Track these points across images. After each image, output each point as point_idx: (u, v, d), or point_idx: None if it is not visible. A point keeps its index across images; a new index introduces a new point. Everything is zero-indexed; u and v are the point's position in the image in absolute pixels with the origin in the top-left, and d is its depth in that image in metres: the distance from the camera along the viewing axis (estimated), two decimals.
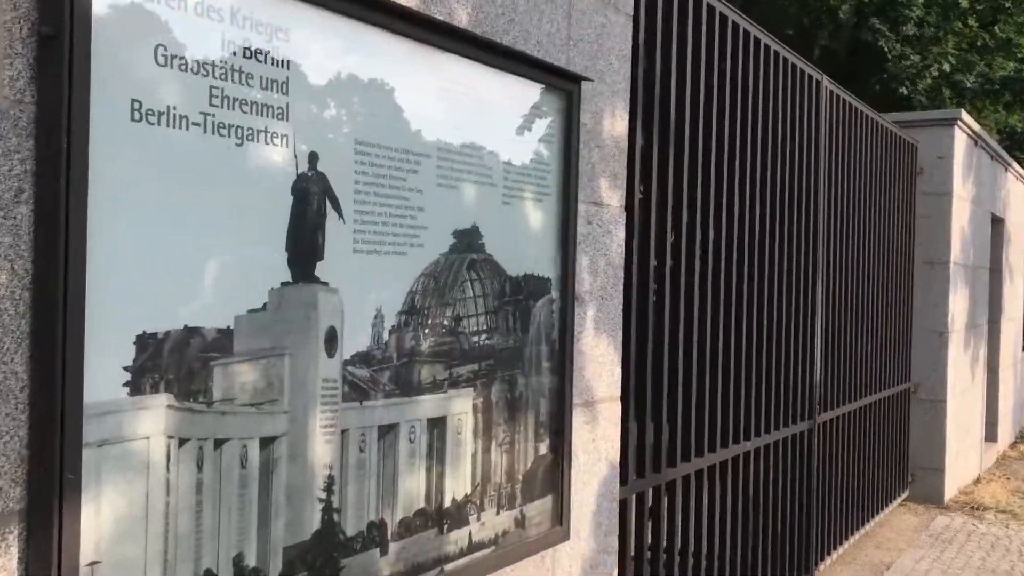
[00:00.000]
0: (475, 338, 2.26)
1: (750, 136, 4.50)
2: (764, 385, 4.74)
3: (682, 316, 3.82)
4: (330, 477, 1.86)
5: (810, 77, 5.30)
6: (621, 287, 2.98)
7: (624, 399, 3.15)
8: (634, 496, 3.25)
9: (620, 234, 2.96)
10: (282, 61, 1.76)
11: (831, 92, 5.63)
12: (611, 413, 2.93)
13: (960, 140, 7.66)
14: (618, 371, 2.97)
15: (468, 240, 2.23)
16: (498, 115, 2.34)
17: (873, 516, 6.77)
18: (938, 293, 7.54)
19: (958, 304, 7.75)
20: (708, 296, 4.06)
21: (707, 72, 4.10)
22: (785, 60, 5.02)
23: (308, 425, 1.81)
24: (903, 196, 7.32)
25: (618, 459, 2.98)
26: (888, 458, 7.08)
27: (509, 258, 2.38)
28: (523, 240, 2.43)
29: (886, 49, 13.66)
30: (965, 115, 7.62)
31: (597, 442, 2.86)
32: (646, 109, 3.55)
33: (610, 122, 2.89)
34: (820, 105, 5.44)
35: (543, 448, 2.53)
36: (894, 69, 13.76)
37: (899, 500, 7.42)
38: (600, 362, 2.87)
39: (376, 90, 1.96)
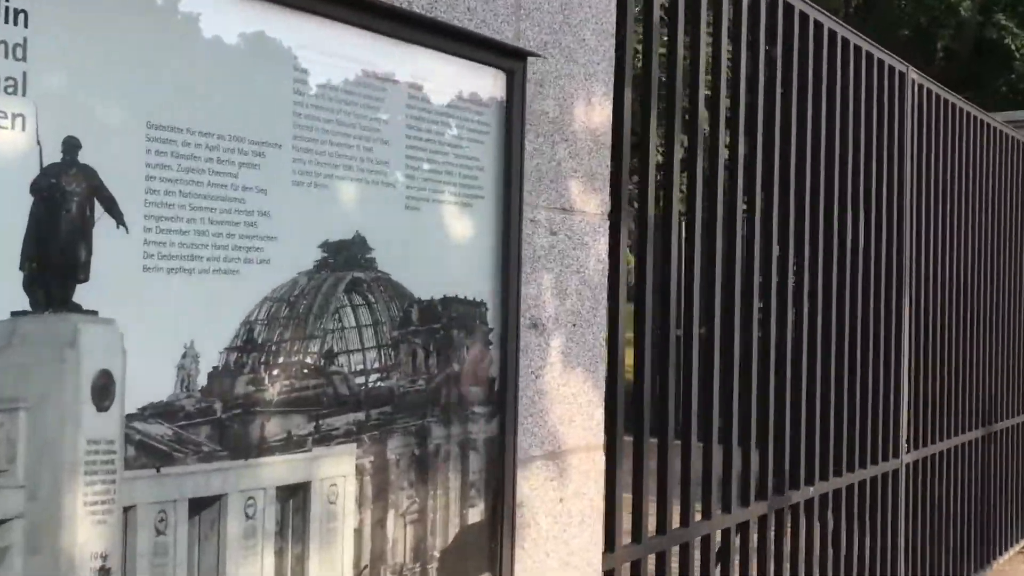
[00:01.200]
0: (360, 380, 1.75)
1: (819, 136, 3.84)
2: (832, 420, 4.05)
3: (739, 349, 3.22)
4: (103, 570, 1.39)
5: (891, 68, 4.58)
6: (604, 311, 2.41)
7: (609, 447, 2.58)
8: (627, 566, 2.65)
9: (601, 247, 2.40)
10: (16, 12, 1.30)
11: (918, 86, 4.88)
12: (589, 465, 2.37)
13: None
14: (599, 413, 2.40)
15: (347, 254, 1.72)
16: (401, 98, 1.83)
17: (987, 564, 5.90)
18: None
19: None
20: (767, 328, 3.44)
21: (751, 58, 3.50)
22: (858, 49, 4.33)
23: (60, 503, 1.34)
24: (1018, 202, 6.44)
25: (601, 521, 2.41)
26: (1008, 498, 6.19)
27: (418, 277, 1.86)
28: (440, 255, 1.91)
29: (1013, 47, 12.50)
30: None
31: (567, 502, 2.30)
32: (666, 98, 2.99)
33: (584, 111, 2.33)
34: (904, 101, 4.71)
35: (473, 515, 1.99)
36: (1023, 68, 12.58)
37: (1019, 546, 6.50)
38: (572, 403, 2.31)
39: (182, 57, 1.48)
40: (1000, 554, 6.14)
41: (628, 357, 2.84)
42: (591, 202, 2.37)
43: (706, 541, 3.23)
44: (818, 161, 4.09)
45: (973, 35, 13.47)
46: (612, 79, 2.43)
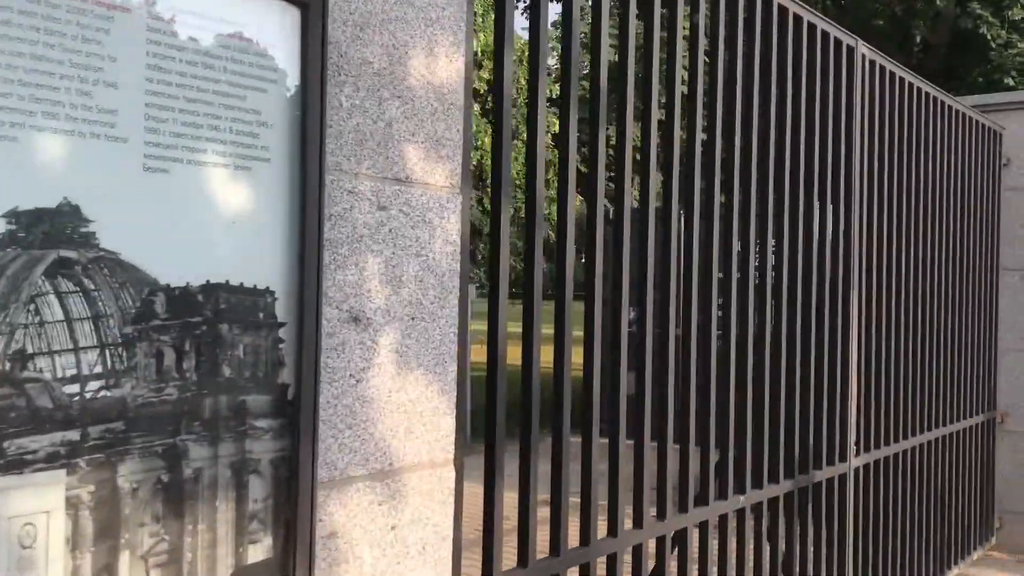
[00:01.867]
0: (71, 389, 1.35)
1: (767, 116, 3.45)
2: (778, 422, 3.67)
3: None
4: None
5: (838, 42, 4.19)
6: (455, 301, 2.02)
7: (489, 458, 2.19)
8: None
9: (451, 226, 2.00)
10: None
11: (869, 61, 4.49)
12: (433, 484, 1.97)
13: None
14: (448, 423, 2.01)
15: (49, 228, 1.33)
16: (137, 31, 1.43)
17: (947, 570, 5.53)
18: None
19: None
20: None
21: (693, 35, 3.11)
22: (812, 26, 3.95)
23: None
24: (984, 192, 6.05)
25: (449, 549, 2.02)
26: (966, 501, 5.81)
27: (166, 259, 1.46)
28: (201, 230, 1.51)
29: (989, 36, 12.13)
30: None
31: (402, 529, 1.90)
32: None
33: (424, 64, 1.94)
34: (854, 77, 4.33)
35: (256, 552, 1.60)
36: (999, 58, 12.20)
37: (983, 550, 6.12)
38: (409, 411, 1.92)
39: None
40: (958, 561, 5.77)
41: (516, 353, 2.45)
42: (437, 172, 1.97)
43: (637, 551, 2.88)
44: (766, 144, 3.72)
45: (950, 27, 13.10)
46: (465, 29, 2.03)
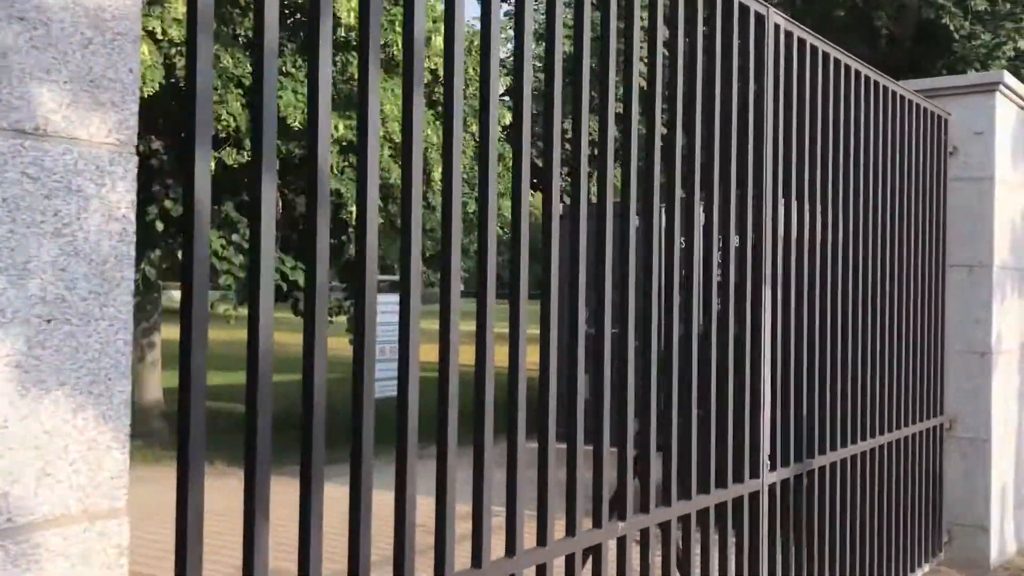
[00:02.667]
0: None
1: (674, 95, 2.94)
2: (686, 435, 3.16)
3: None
4: None
5: (744, 8, 3.69)
6: (124, 299, 1.50)
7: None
8: None
9: (117, 197, 1.49)
10: None
11: (785, 32, 3.98)
12: (87, 545, 1.46)
13: (1005, 110, 5.85)
14: (115, 460, 1.49)
15: None
16: None
17: None
18: (978, 304, 5.74)
19: (1006, 318, 5.92)
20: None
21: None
22: None
23: None
24: (929, 183, 5.57)
25: None
26: (912, 514, 5.33)
27: None
28: None
29: (952, 27, 11.68)
30: (1010, 78, 5.81)
31: None
32: None
33: None
34: (765, 48, 3.83)
35: None
36: (962, 50, 11.75)
37: (930, 565, 5.63)
38: (44, 447, 1.41)
39: None
40: (914, 570, 5.28)
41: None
42: (92, 124, 1.45)
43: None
44: (673, 125, 3.23)
45: (914, 18, 12.65)
46: None
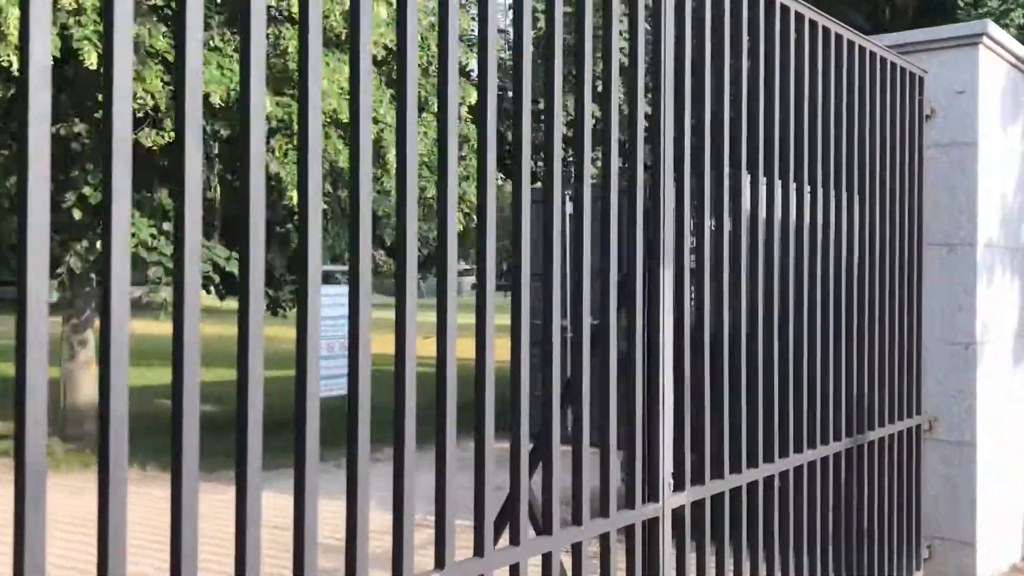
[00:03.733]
0: None
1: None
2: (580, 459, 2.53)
3: None
4: None
5: None
6: None
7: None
8: None
9: None
10: None
11: None
12: None
13: (991, 66, 5.09)
14: None
15: None
16: None
17: None
18: (961, 289, 5.00)
19: (993, 304, 5.17)
20: None
21: None
22: None
23: None
24: (902, 150, 4.84)
25: None
26: (886, 527, 4.62)
27: None
28: None
29: None
30: (996, 29, 5.04)
31: None
32: None
33: None
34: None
35: None
36: (967, 18, 10.90)
37: None
38: None
39: None
40: None
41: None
42: None
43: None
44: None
45: None
46: None
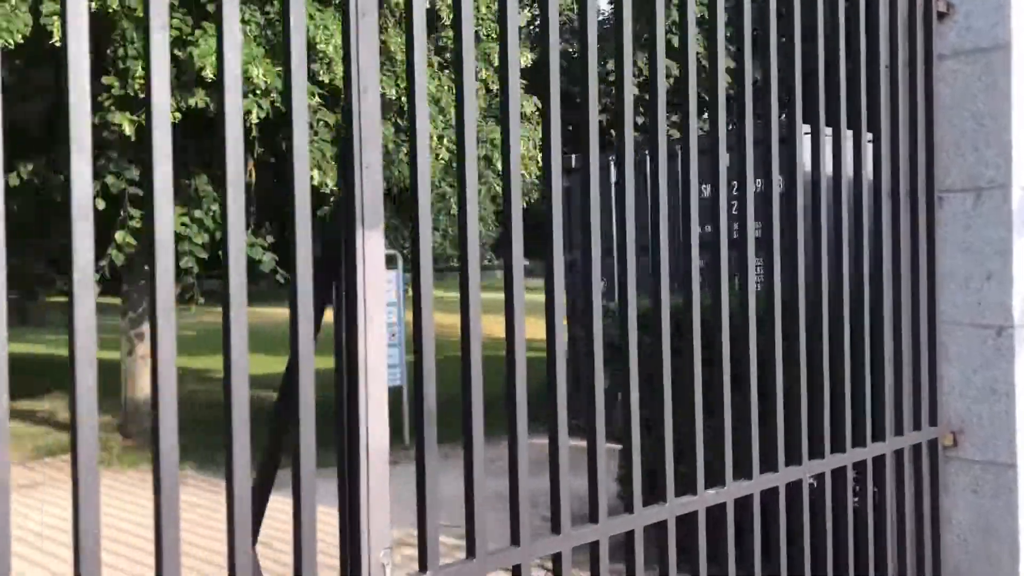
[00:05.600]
0: None
1: None
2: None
3: None
4: None
5: None
6: None
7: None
8: None
9: None
10: None
11: None
12: None
13: None
14: None
15: None
16: None
17: None
18: (991, 250, 3.59)
19: None
20: None
21: None
22: None
23: None
24: (905, 64, 3.48)
25: None
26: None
27: None
28: None
29: None
30: None
31: None
32: None
33: None
34: None
35: None
36: None
37: None
38: None
39: None
40: None
41: None
42: None
43: None
44: None
45: None
46: None
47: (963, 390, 3.64)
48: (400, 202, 10.22)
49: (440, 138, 8.83)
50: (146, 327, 10.37)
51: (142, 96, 7.36)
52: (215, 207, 7.90)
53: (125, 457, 9.33)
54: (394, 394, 9.17)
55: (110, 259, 8.05)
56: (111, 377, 10.31)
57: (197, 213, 8.09)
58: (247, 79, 7.09)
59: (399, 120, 8.61)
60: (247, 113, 7.63)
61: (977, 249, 3.59)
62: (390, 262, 8.67)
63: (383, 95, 8.22)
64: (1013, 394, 3.53)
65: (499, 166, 9.18)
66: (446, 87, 9.11)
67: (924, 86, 3.60)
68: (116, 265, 8.26)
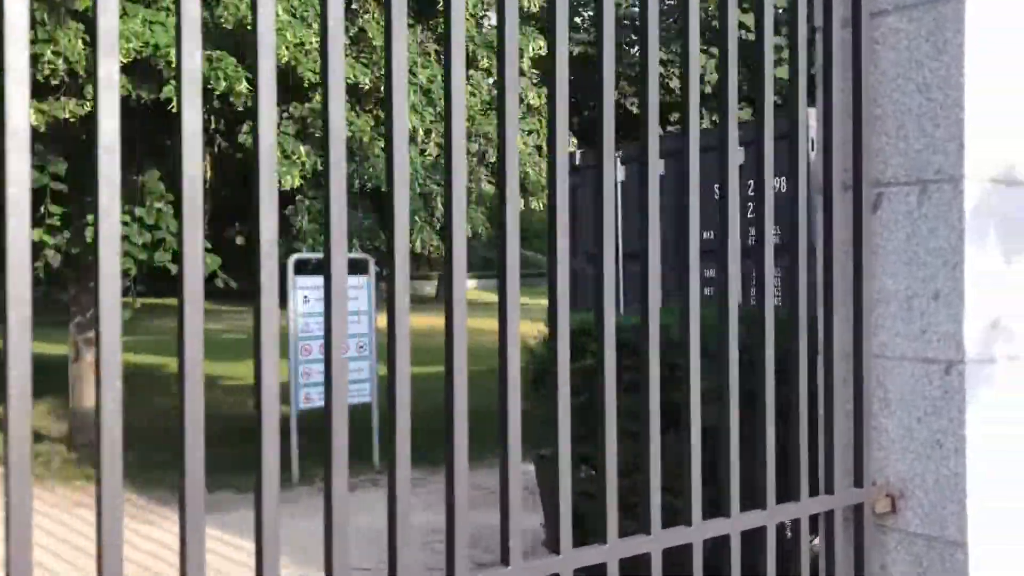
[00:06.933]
0: None
1: None
2: None
3: None
4: None
5: None
6: None
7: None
8: None
9: None
10: None
11: None
12: None
13: None
14: None
15: None
16: None
17: None
18: (937, 263, 2.75)
19: (1003, 285, 2.85)
20: None
21: None
22: None
23: None
24: (839, 20, 2.69)
25: None
26: None
27: None
28: None
29: None
30: None
31: None
32: None
33: None
34: None
35: None
36: None
37: None
38: None
39: None
40: None
41: None
42: None
43: None
44: None
45: None
46: None
47: (906, 443, 2.82)
48: (379, 199, 9.63)
49: (428, 132, 8.19)
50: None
51: (54, 83, 6.94)
52: (159, 204, 7.39)
53: (67, 471, 8.89)
54: (361, 411, 8.54)
55: (46, 260, 7.63)
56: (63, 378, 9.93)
57: (139, 211, 7.56)
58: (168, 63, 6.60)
59: (379, 112, 8.01)
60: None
61: (922, 261, 2.76)
62: (360, 267, 8.04)
63: (358, 85, 7.62)
64: (963, 450, 2.69)
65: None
66: (439, 77, 8.51)
67: (852, 49, 2.79)
68: (52, 266, 7.84)
